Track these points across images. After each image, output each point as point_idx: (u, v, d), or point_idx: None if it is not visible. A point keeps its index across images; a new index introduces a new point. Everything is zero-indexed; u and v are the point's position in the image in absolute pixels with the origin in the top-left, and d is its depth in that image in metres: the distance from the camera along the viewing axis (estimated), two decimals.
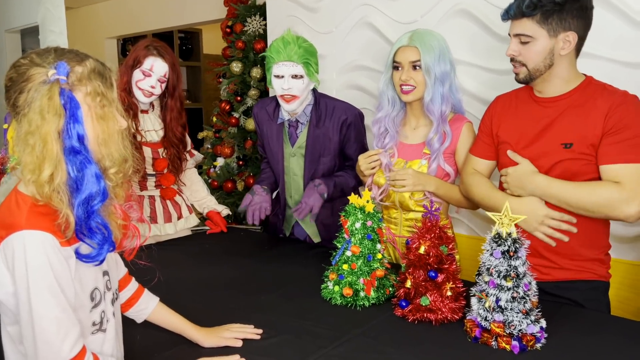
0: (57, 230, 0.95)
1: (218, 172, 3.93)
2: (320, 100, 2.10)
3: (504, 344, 1.27)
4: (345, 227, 1.58)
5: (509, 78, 1.67)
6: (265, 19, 3.73)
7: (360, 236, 1.56)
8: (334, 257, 1.62)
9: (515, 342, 1.26)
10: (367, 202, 1.59)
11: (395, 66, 1.83)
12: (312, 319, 1.46)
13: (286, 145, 2.14)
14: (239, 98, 3.81)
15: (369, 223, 1.57)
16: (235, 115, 3.82)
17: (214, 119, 4.05)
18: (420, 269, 1.45)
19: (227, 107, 3.87)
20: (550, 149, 1.53)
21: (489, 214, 1.34)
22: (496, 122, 1.68)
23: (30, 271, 0.92)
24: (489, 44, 2.32)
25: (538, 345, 1.27)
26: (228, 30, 3.92)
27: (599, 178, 1.48)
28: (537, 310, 1.31)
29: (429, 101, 1.78)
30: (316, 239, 2.19)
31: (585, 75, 1.57)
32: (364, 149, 2.12)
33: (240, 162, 3.88)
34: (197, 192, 2.41)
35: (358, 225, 1.56)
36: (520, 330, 1.27)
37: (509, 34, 1.56)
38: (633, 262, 1.96)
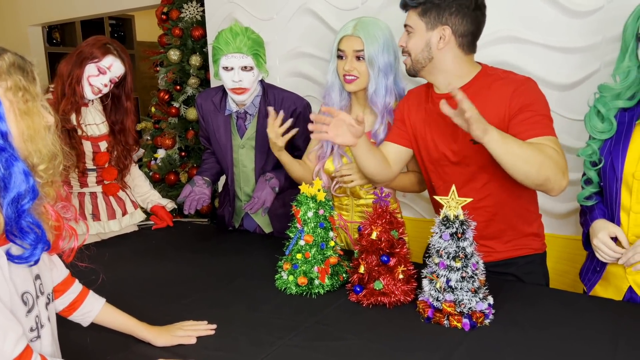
0: None
1: (159, 164, 3.82)
2: (268, 91, 2.08)
3: (455, 322, 1.32)
4: (298, 216, 1.58)
5: None
6: (202, 5, 3.63)
7: (312, 225, 1.57)
8: (287, 247, 1.62)
9: (465, 320, 1.32)
10: (319, 190, 1.59)
11: (339, 55, 1.83)
12: (267, 311, 1.46)
13: (235, 137, 2.11)
14: (178, 87, 3.70)
15: (320, 212, 1.58)
16: (176, 105, 3.71)
17: (153, 109, 3.91)
18: (372, 254, 1.47)
19: (166, 97, 3.75)
20: (463, 146, 1.56)
21: (438, 197, 1.38)
22: (407, 114, 1.71)
23: None
24: None
25: (487, 321, 1.34)
26: (164, 17, 3.78)
27: None
28: (484, 288, 1.37)
29: (372, 93, 1.80)
30: (267, 229, 2.18)
31: (480, 65, 1.60)
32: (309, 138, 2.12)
33: (183, 154, 3.78)
34: (139, 187, 2.34)
35: (310, 214, 1.57)
36: (470, 308, 1.33)
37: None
38: (568, 236, 2.09)
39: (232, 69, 1.92)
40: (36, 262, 0.96)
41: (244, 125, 2.09)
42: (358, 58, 1.78)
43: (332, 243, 1.60)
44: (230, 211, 2.22)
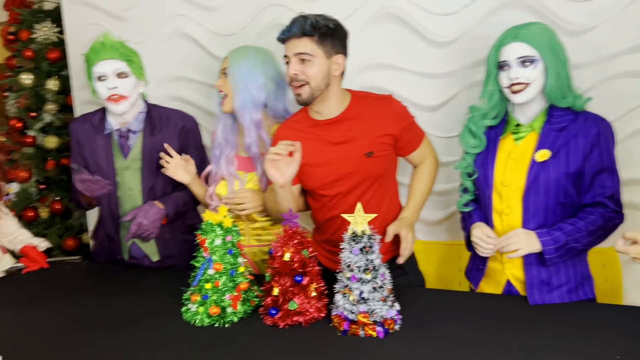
0: None
1: (14, 199, 3.42)
2: (152, 108, 2.03)
3: (370, 332, 1.41)
4: (204, 245, 1.56)
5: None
6: (58, 25, 3.36)
7: (221, 253, 1.55)
8: (194, 278, 1.58)
9: (379, 328, 1.41)
10: (225, 217, 1.59)
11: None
12: (182, 346, 1.41)
13: (117, 158, 2.00)
14: (33, 114, 3.37)
15: (228, 238, 1.57)
16: (31, 133, 3.37)
17: (2, 138, 3.50)
18: (285, 276, 1.51)
19: (19, 125, 3.39)
20: (355, 163, 1.70)
21: (345, 215, 1.47)
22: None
23: None
24: None
25: (397, 327, 1.45)
26: (11, 37, 3.43)
27: (392, 169, 1.79)
28: (392, 296, 1.48)
29: (237, 107, 1.84)
30: (155, 257, 2.07)
31: (348, 90, 1.77)
32: (204, 157, 2.09)
33: (42, 186, 3.43)
34: (5, 227, 2.09)
35: (218, 242, 1.55)
36: (381, 316, 1.43)
37: (286, 56, 1.68)
38: (445, 242, 2.33)
39: (105, 76, 1.86)
40: None
41: (127, 144, 2.00)
42: (225, 74, 1.85)
43: (241, 269, 1.60)
44: (116, 240, 2.07)
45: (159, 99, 2.71)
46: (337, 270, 1.49)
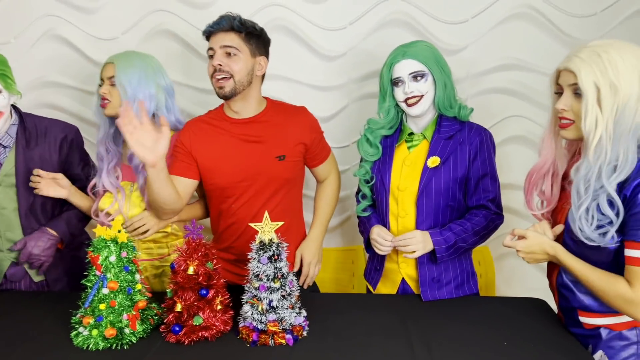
0: None
1: None
2: (26, 118, 1.83)
3: (280, 340, 1.41)
4: (97, 263, 1.44)
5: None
6: None
7: (116, 270, 1.45)
8: (86, 299, 1.45)
9: (288, 336, 1.42)
10: (119, 232, 1.48)
11: (100, 84, 1.80)
12: None
13: None
14: None
15: (123, 254, 1.47)
16: None
17: None
18: (189, 290, 1.45)
19: None
20: (266, 164, 1.72)
21: (252, 224, 1.45)
22: (194, 147, 1.74)
23: None
24: (193, 63, 2.42)
25: (304, 333, 1.46)
26: None
27: (300, 178, 1.85)
28: (299, 303, 1.50)
29: None
30: (37, 277, 1.87)
31: (264, 97, 1.82)
32: (89, 164, 1.95)
33: None
34: None
35: (113, 258, 1.45)
36: (290, 323, 1.43)
37: (211, 48, 1.68)
38: (339, 248, 2.40)
39: None
40: None
41: None
42: (113, 85, 1.75)
43: (139, 286, 1.50)
44: None
45: (27, 105, 2.47)
46: (243, 282, 1.47)
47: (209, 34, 1.69)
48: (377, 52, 2.31)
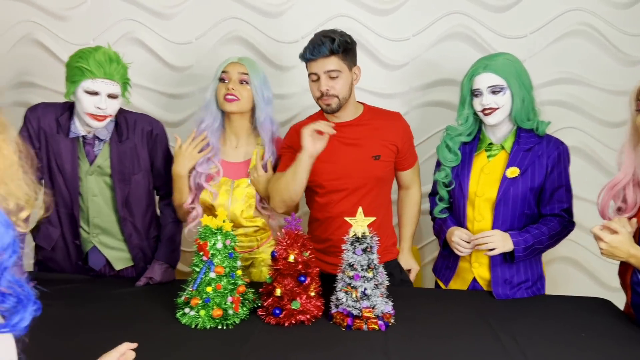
0: None
1: None
2: (119, 113, 1.96)
3: (373, 325, 1.53)
4: (206, 249, 1.57)
5: None
6: None
7: (221, 256, 1.58)
8: (194, 282, 1.58)
9: (380, 322, 1.54)
10: (224, 221, 1.62)
11: (222, 78, 1.91)
12: (195, 348, 1.42)
13: (83, 163, 1.91)
14: None
15: (227, 242, 1.61)
16: None
17: None
18: (288, 277, 1.58)
19: None
20: (363, 163, 1.87)
21: (346, 218, 1.59)
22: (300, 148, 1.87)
23: None
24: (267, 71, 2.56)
25: (392, 320, 1.58)
26: None
27: (391, 178, 1.98)
28: (387, 293, 1.62)
29: (263, 121, 1.92)
30: (118, 265, 2.00)
31: (361, 103, 1.97)
32: (171, 161, 2.03)
33: None
34: None
35: (219, 245, 1.58)
36: (381, 311, 1.56)
37: (314, 73, 1.82)
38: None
39: (98, 94, 1.77)
40: (26, 328, 0.80)
41: (92, 151, 1.92)
42: (242, 82, 1.88)
43: (239, 272, 1.63)
44: (73, 249, 1.96)
45: None
46: (331, 270, 1.61)
47: (307, 59, 1.82)
48: (439, 62, 2.46)
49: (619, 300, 1.77)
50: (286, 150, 1.92)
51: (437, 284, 1.98)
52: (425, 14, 2.44)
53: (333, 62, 1.79)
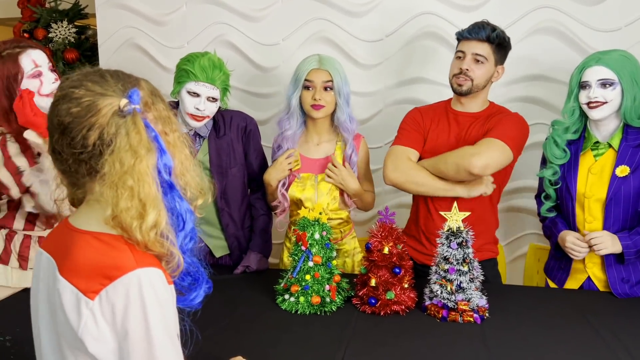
0: (163, 269, 0.85)
1: None
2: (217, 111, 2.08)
3: (468, 318, 1.56)
4: (305, 239, 1.66)
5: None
6: (75, 26, 3.37)
7: (319, 246, 1.66)
8: (293, 270, 1.67)
9: (475, 315, 1.56)
10: (320, 214, 1.70)
11: (307, 86, 1.97)
12: (300, 333, 1.50)
13: None
14: None
15: (323, 233, 1.68)
16: None
17: None
18: (383, 268, 1.63)
19: None
20: None
21: (443, 213, 1.62)
22: (425, 126, 1.95)
23: (152, 317, 0.80)
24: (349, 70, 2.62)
25: (487, 314, 1.60)
26: (26, 35, 3.37)
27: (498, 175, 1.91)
28: (482, 287, 1.64)
29: (344, 121, 1.98)
30: (218, 252, 2.13)
31: (490, 102, 1.98)
32: (263, 157, 2.17)
33: None
34: None
35: (317, 236, 1.66)
36: (476, 304, 1.58)
37: (461, 51, 1.88)
38: None
39: (199, 96, 1.90)
40: (200, 304, 0.92)
41: (194, 148, 2.05)
42: (326, 89, 1.95)
43: (335, 262, 1.71)
44: None
45: None
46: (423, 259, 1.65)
47: (462, 37, 1.88)
48: (414, 61, 2.48)
49: None
50: (413, 126, 1.97)
51: (547, 284, 1.96)
52: (515, 8, 2.41)
53: (484, 48, 1.84)
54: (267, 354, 1.37)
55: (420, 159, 1.94)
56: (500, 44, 1.85)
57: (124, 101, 0.84)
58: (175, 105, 2.05)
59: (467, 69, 1.84)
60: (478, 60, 1.85)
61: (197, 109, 1.90)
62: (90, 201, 0.89)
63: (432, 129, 1.96)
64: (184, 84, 1.91)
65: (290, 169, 2.03)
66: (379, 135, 2.55)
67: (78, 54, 3.31)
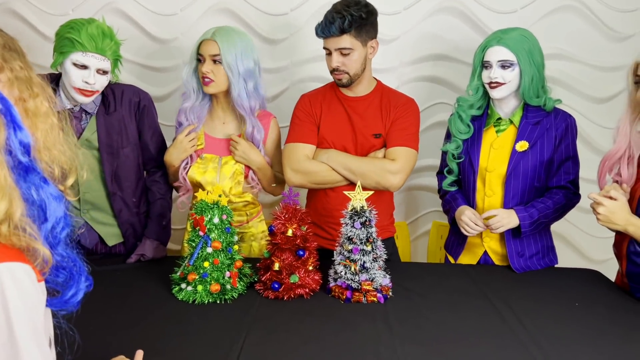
0: (32, 264, 0.72)
1: None
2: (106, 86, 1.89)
3: (372, 298, 1.54)
4: (202, 224, 1.55)
5: None
6: None
7: (218, 231, 1.56)
8: (190, 257, 1.56)
9: (379, 294, 1.55)
10: (220, 196, 1.59)
11: (199, 58, 1.86)
12: (196, 323, 1.40)
13: None
14: None
15: (224, 217, 1.58)
16: None
17: None
18: (287, 251, 1.57)
19: None
20: (365, 140, 1.86)
21: (346, 192, 1.58)
22: (317, 115, 1.91)
23: (16, 321, 0.68)
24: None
25: (390, 293, 1.59)
26: None
27: None
28: (384, 266, 1.63)
29: (236, 97, 1.86)
30: (111, 240, 1.95)
31: (375, 79, 1.95)
32: (160, 136, 2.01)
33: None
34: None
35: (216, 220, 1.56)
36: (380, 283, 1.56)
37: (326, 48, 1.81)
38: None
39: (86, 68, 1.71)
40: (77, 304, 0.79)
41: (79, 125, 1.85)
42: (215, 62, 1.83)
43: (236, 247, 1.61)
44: None
45: None
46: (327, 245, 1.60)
47: (322, 37, 1.80)
48: (430, 37, 2.44)
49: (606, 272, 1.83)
50: (304, 119, 1.91)
51: (447, 260, 2.00)
52: None
53: (345, 40, 1.77)
54: (160, 349, 1.26)
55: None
56: (359, 26, 1.77)
57: None
58: (54, 79, 1.84)
59: (338, 66, 1.81)
60: (344, 54, 1.79)
61: (87, 82, 1.71)
62: None
63: (324, 115, 1.91)
64: (68, 54, 1.70)
65: (194, 148, 1.90)
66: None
67: None
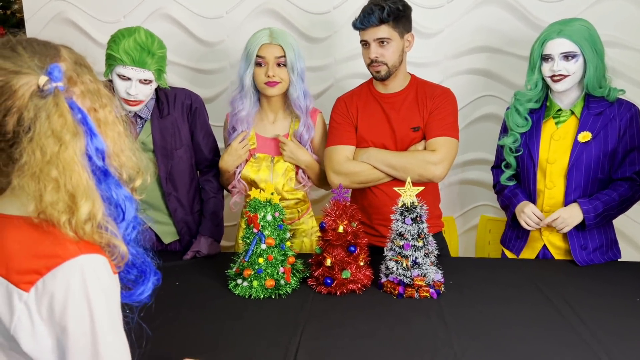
0: (108, 257, 0.78)
1: None
2: (159, 90, 1.96)
3: (425, 293, 1.55)
4: (256, 221, 1.59)
5: None
6: None
7: (272, 228, 1.60)
8: (245, 254, 1.61)
9: (432, 290, 1.55)
10: (272, 194, 1.63)
11: (259, 62, 1.88)
12: (254, 318, 1.45)
13: None
14: None
15: (276, 214, 1.62)
16: None
17: None
18: (338, 247, 1.59)
19: None
20: (404, 134, 1.87)
21: (396, 188, 1.59)
22: (353, 116, 1.92)
23: (97, 310, 0.74)
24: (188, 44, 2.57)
25: (443, 288, 1.60)
26: None
27: None
28: (437, 261, 1.63)
29: (296, 97, 1.91)
30: (167, 238, 2.02)
31: (409, 74, 1.95)
32: (212, 137, 2.06)
33: None
34: None
35: (269, 217, 1.60)
36: (432, 279, 1.57)
37: (364, 41, 1.83)
38: None
39: (128, 79, 1.77)
40: (148, 298, 0.85)
41: (135, 130, 1.93)
42: (279, 65, 1.87)
43: (288, 243, 1.65)
44: None
45: None
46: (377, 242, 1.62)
47: (359, 29, 1.82)
48: (474, 30, 2.41)
49: None
50: (342, 121, 1.93)
51: (503, 255, 1.97)
52: None
53: (383, 31, 1.78)
54: (219, 344, 1.31)
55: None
56: (397, 17, 1.79)
57: (43, 79, 0.74)
58: (111, 87, 1.92)
59: (376, 57, 1.82)
60: (383, 43, 1.81)
61: (129, 93, 1.78)
62: (15, 188, 0.80)
63: (360, 115, 1.92)
64: (112, 66, 1.78)
65: (247, 154, 1.96)
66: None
67: (4, 30, 3.05)
